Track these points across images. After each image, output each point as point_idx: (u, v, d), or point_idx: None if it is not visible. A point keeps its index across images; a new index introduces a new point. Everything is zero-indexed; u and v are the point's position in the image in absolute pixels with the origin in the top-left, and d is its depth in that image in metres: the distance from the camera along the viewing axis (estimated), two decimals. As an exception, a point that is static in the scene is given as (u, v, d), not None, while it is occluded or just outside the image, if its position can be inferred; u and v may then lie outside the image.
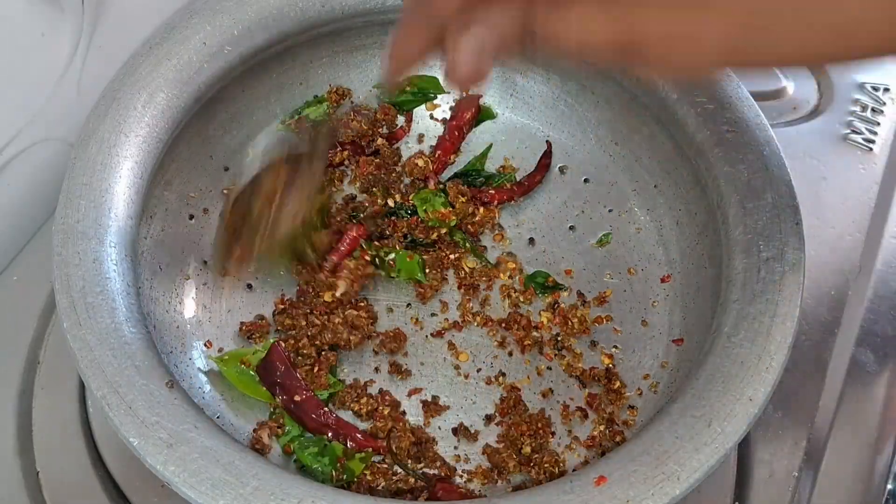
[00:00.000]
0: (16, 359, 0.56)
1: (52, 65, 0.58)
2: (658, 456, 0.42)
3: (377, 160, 0.62)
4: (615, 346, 0.57)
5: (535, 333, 0.57)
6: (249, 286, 0.58)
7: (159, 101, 0.52)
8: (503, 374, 0.55)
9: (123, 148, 0.50)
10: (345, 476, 0.50)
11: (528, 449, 0.52)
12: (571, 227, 0.62)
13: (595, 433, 0.53)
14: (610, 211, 0.62)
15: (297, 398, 0.52)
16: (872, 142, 0.69)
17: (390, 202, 0.60)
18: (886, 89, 0.72)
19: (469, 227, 0.60)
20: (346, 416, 0.53)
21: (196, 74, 0.54)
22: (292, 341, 0.54)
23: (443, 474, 0.51)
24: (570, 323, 0.57)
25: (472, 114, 0.64)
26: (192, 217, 0.58)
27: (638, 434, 0.44)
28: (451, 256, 0.59)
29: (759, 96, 0.54)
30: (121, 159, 0.50)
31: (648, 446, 0.42)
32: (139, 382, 0.43)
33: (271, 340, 0.54)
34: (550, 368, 0.56)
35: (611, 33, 0.33)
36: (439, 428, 0.53)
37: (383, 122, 0.63)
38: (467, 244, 0.60)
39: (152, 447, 0.41)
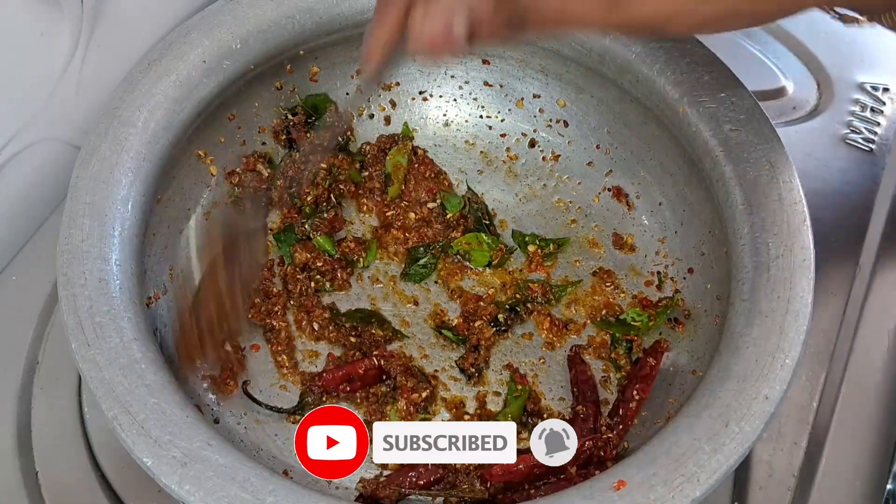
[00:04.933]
0: (15, 359, 0.56)
1: (51, 65, 0.58)
2: (677, 458, 0.42)
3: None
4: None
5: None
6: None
7: (159, 117, 0.52)
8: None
9: (125, 166, 0.50)
10: None
11: None
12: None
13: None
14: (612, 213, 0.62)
15: None
16: (872, 142, 0.69)
17: None
18: (886, 89, 0.72)
19: None
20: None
21: (195, 90, 0.53)
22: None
23: None
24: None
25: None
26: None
27: (656, 436, 0.43)
28: None
29: (758, 96, 0.54)
30: (123, 177, 0.49)
31: (667, 449, 0.42)
32: (150, 401, 0.42)
33: None
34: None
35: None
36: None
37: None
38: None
39: (166, 467, 0.40)
